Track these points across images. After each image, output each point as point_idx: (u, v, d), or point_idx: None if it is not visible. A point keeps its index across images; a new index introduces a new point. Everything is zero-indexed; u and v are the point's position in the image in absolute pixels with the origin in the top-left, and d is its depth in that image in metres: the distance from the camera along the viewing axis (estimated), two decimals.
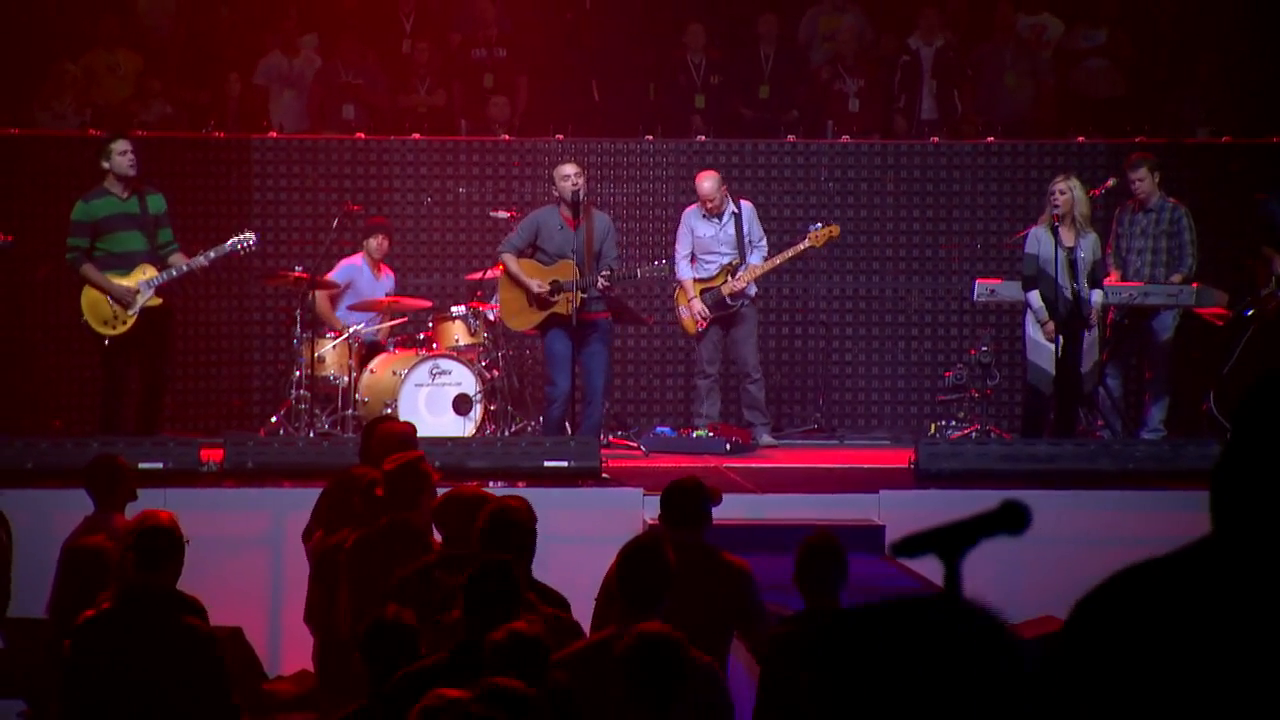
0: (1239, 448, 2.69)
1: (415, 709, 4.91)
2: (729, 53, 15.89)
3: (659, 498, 7.62)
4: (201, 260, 12.22)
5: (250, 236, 12.38)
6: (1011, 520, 2.59)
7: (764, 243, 13.35)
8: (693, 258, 13.28)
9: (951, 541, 2.49)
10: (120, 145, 12.14)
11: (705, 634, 6.45)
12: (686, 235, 13.34)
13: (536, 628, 5.54)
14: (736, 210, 13.27)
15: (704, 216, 13.27)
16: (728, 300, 13.20)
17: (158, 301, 12.15)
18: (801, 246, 13.31)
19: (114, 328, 12.09)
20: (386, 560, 7.45)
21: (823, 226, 13.34)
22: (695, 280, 13.26)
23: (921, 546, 2.51)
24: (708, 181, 13.25)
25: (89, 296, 12.11)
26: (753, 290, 13.34)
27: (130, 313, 12.05)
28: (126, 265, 12.09)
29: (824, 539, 6.81)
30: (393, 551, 7.50)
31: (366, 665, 5.76)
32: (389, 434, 8.79)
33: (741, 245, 13.22)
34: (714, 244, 13.25)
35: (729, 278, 13.18)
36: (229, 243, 12.30)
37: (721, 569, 7.31)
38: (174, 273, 12.19)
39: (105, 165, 12.14)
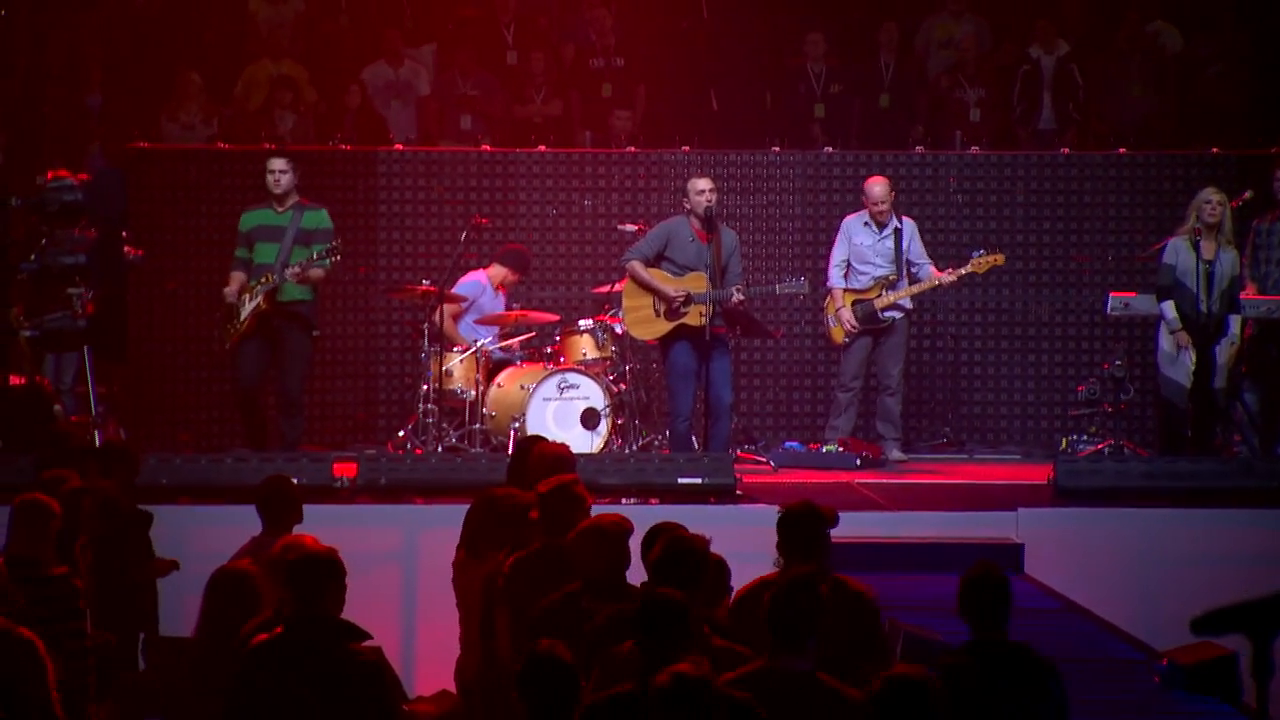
0: None
1: None
2: (848, 61, 15.74)
3: (775, 527, 7.06)
4: (296, 269, 12.25)
5: (338, 245, 12.42)
6: None
7: (926, 261, 13.15)
8: (848, 267, 13.14)
9: (1262, 619, 2.35)
10: (271, 163, 12.47)
11: (834, 667, 6.18)
12: (844, 243, 13.17)
13: (703, 668, 5.41)
14: (898, 225, 13.11)
15: (865, 225, 13.11)
16: (879, 315, 13.04)
17: (264, 306, 12.25)
18: (964, 271, 13.11)
19: (228, 335, 12.41)
20: (541, 585, 7.37)
21: (987, 253, 13.13)
22: (846, 290, 13.11)
23: (1227, 624, 2.37)
24: (878, 186, 13.09)
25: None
26: (907, 304, 13.17)
27: (240, 319, 12.29)
28: (257, 275, 12.33)
29: (986, 570, 6.66)
30: (547, 576, 7.41)
31: (524, 701, 5.66)
32: (545, 455, 8.70)
33: (899, 260, 13.04)
34: (870, 254, 13.08)
35: (884, 292, 13.00)
36: (322, 262, 12.34)
37: (851, 600, 6.94)
38: (276, 280, 12.25)
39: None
